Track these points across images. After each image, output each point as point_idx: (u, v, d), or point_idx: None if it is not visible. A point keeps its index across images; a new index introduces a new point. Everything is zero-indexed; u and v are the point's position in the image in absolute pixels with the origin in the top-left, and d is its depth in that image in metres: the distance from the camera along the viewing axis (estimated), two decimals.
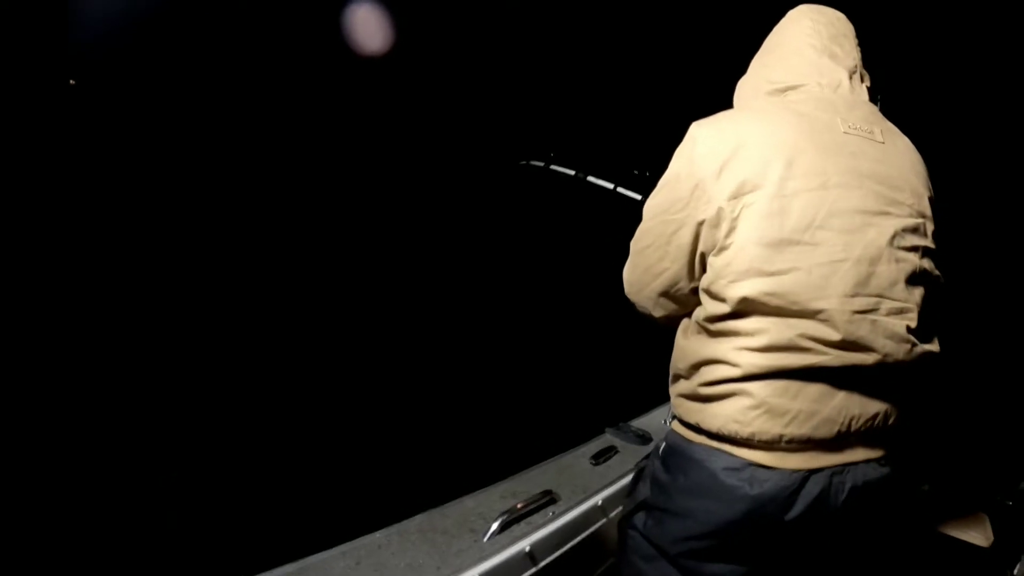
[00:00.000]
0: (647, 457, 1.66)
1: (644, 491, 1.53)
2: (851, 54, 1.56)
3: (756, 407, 1.31)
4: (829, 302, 1.29)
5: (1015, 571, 2.55)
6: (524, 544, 1.70)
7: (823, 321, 1.30)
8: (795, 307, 1.30)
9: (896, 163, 1.45)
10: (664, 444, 1.53)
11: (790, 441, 1.31)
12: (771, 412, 1.31)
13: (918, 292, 1.38)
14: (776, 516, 1.32)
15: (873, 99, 1.64)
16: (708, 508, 1.36)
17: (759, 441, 1.32)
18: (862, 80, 1.56)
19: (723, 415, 1.35)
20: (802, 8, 1.64)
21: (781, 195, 1.32)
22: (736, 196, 1.34)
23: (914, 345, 1.35)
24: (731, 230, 1.34)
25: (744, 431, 1.32)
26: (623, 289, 1.67)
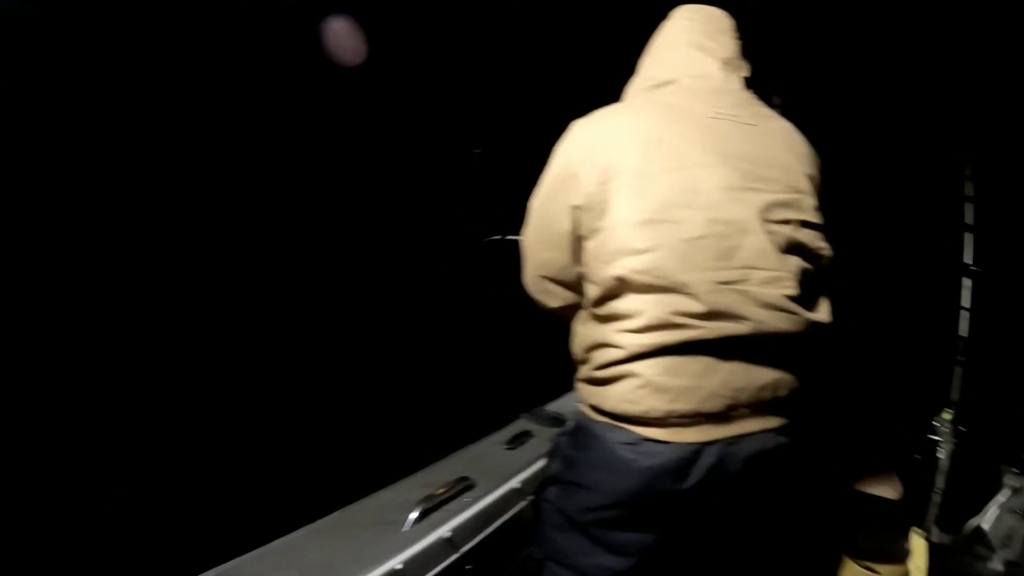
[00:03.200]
0: (561, 435, 1.71)
1: (555, 466, 1.59)
2: (726, 46, 1.64)
3: (643, 386, 1.37)
4: (691, 275, 1.35)
5: (925, 521, 2.71)
6: (444, 531, 1.73)
7: (689, 295, 1.35)
8: (662, 282, 1.36)
9: (766, 143, 1.51)
10: (574, 423, 1.59)
11: (680, 416, 1.37)
12: (657, 390, 1.36)
13: (794, 261, 1.44)
14: (671, 486, 1.38)
15: (769, 91, 1.72)
16: (608, 480, 1.42)
17: (651, 418, 1.37)
18: (736, 70, 1.63)
19: (616, 396, 1.41)
20: (681, 8, 1.74)
21: (641, 177, 1.40)
22: (603, 182, 1.43)
23: (794, 314, 1.41)
24: (602, 213, 1.43)
25: (636, 409, 1.38)
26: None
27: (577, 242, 1.52)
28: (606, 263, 1.41)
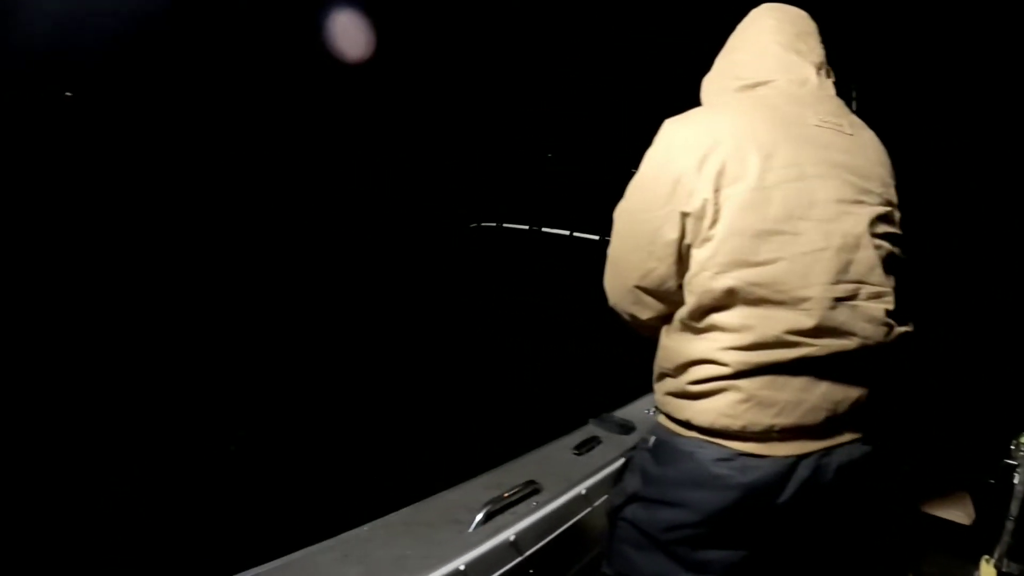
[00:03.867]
0: (634, 449, 1.67)
1: (634, 483, 1.54)
2: (816, 50, 1.60)
3: (745, 400, 1.34)
4: (812, 290, 1.32)
5: (997, 548, 2.58)
6: (508, 534, 1.71)
7: (806, 311, 1.32)
8: (779, 296, 1.32)
9: (864, 154, 1.49)
10: (653, 438, 1.54)
11: (781, 431, 1.34)
12: (760, 404, 1.33)
13: (893, 276, 1.42)
14: (767, 501, 1.36)
15: (848, 93, 1.68)
16: (701, 497, 1.38)
17: (750, 432, 1.35)
18: (828, 75, 1.59)
19: (713, 410, 1.37)
20: (764, 7, 1.68)
21: (762, 186, 1.34)
22: (718, 188, 1.35)
23: (892, 327, 1.39)
24: (714, 222, 1.35)
25: (735, 424, 1.35)
26: (604, 294, 1.64)
27: (683, 251, 1.42)
28: (717, 274, 1.34)
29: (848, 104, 1.70)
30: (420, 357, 2.62)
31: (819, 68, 1.57)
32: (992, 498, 2.75)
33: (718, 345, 1.36)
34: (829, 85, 1.58)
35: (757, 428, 1.34)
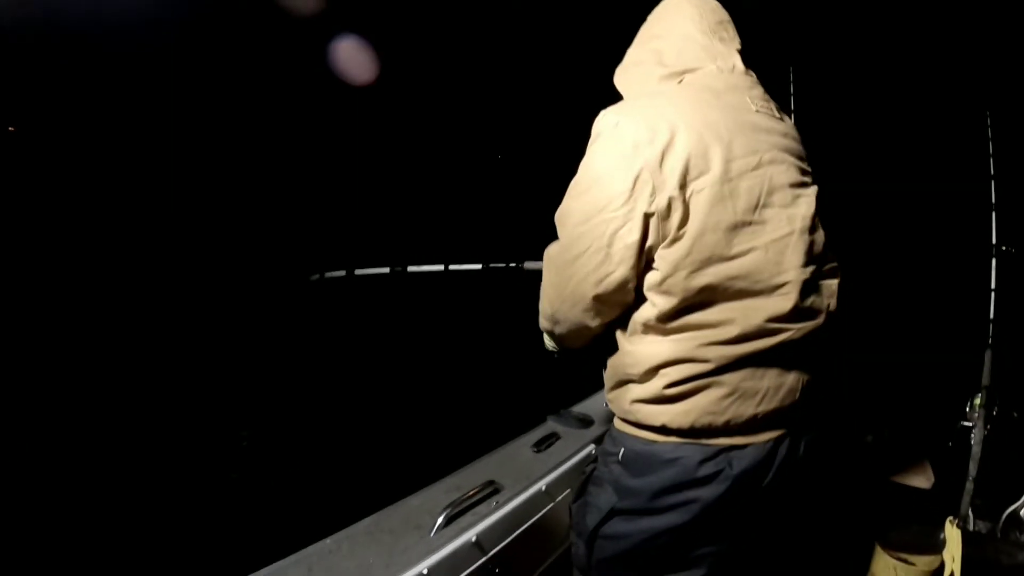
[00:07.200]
0: (594, 461, 1.66)
1: (609, 499, 1.50)
2: (735, 38, 1.61)
3: (730, 395, 1.34)
4: (789, 275, 1.34)
5: (960, 510, 2.65)
6: (470, 535, 1.73)
7: (785, 295, 1.33)
8: (758, 286, 1.33)
9: (794, 136, 1.53)
10: (623, 450, 1.49)
11: (763, 417, 1.37)
12: (744, 395, 1.34)
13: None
14: (754, 486, 1.38)
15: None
16: (690, 497, 1.38)
17: (735, 425, 1.35)
18: (746, 62, 1.60)
19: (695, 410, 1.35)
20: None
21: (728, 178, 1.32)
22: (684, 184, 1.30)
23: (841, 300, 1.44)
24: (684, 219, 1.30)
25: (720, 420, 1.35)
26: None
27: (646, 253, 1.36)
28: (693, 272, 1.31)
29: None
30: (376, 370, 2.65)
31: (742, 55, 1.58)
32: (951, 461, 2.82)
33: (697, 343, 1.33)
34: (752, 72, 1.58)
35: (742, 419, 1.35)
